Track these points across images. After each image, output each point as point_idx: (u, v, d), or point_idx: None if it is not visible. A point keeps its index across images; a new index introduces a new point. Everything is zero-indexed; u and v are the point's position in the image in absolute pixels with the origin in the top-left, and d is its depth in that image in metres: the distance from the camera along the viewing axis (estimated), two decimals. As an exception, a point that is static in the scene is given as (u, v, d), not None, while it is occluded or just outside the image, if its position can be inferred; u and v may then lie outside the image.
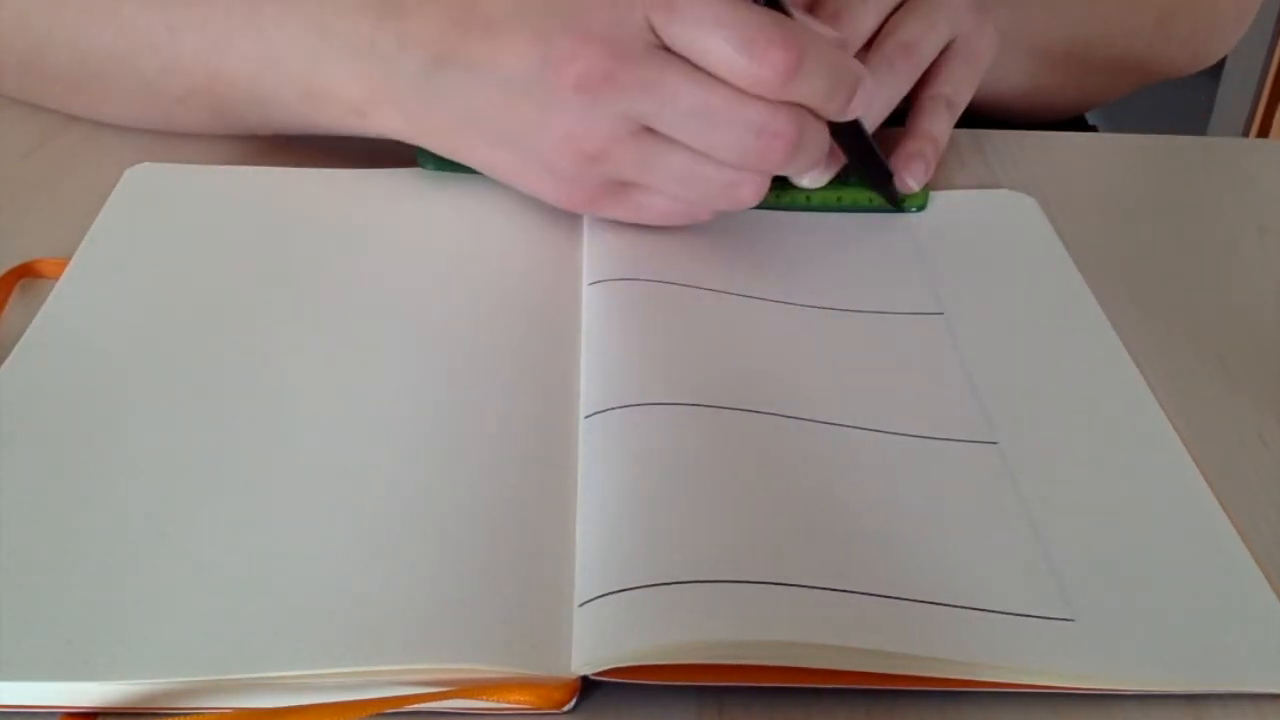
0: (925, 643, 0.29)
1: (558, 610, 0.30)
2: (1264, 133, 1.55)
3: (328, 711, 0.28)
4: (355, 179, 0.48)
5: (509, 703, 0.29)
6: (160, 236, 0.44)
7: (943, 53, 0.48)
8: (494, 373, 0.38)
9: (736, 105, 0.38)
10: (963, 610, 0.30)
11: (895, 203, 0.47)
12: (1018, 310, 0.43)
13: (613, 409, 0.36)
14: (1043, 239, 0.47)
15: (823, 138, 0.41)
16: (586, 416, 0.36)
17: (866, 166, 0.46)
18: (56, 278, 0.41)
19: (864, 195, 0.47)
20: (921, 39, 0.47)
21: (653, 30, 0.38)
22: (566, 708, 0.29)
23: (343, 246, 0.44)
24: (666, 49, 0.38)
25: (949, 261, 0.45)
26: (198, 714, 0.29)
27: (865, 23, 0.46)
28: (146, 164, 0.48)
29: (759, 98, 0.38)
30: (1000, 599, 0.31)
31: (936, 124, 0.48)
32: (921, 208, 0.47)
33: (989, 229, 0.47)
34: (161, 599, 0.30)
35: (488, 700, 0.29)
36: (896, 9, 0.47)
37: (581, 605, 0.30)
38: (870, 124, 0.45)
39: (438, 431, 0.35)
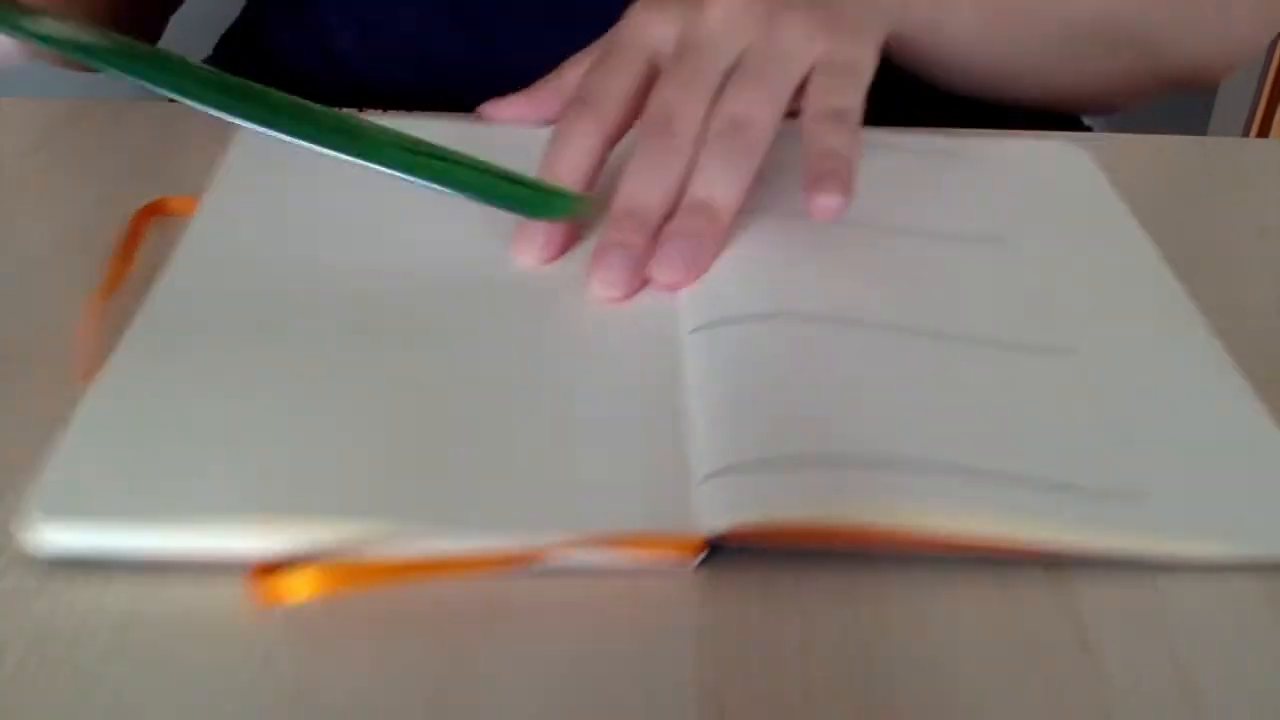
0: (1012, 515, 0.33)
1: (684, 485, 0.34)
2: (1264, 133, 1.55)
3: (487, 561, 0.32)
4: (478, 130, 0.50)
5: (646, 555, 0.32)
6: (282, 175, 0.47)
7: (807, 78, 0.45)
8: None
9: None
10: (1049, 487, 0.34)
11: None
12: (1074, 240, 0.46)
13: (716, 324, 0.39)
14: (1094, 181, 0.50)
15: None
16: (691, 332, 0.39)
17: None
18: (186, 214, 0.44)
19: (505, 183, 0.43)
20: (752, 110, 0.43)
21: None
22: (693, 564, 0.33)
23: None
24: None
25: (1012, 197, 0.49)
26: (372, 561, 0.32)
27: (693, 122, 0.43)
28: None
29: None
30: (1081, 477, 0.34)
31: (829, 138, 0.43)
32: (565, 207, 0.43)
33: (1044, 171, 0.51)
34: (345, 456, 0.34)
35: (630, 552, 0.32)
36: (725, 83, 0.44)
37: (702, 482, 0.34)
38: (726, 207, 0.43)
39: (565, 351, 0.39)
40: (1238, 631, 0.32)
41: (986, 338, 0.40)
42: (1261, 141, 0.64)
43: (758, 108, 0.43)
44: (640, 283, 0.41)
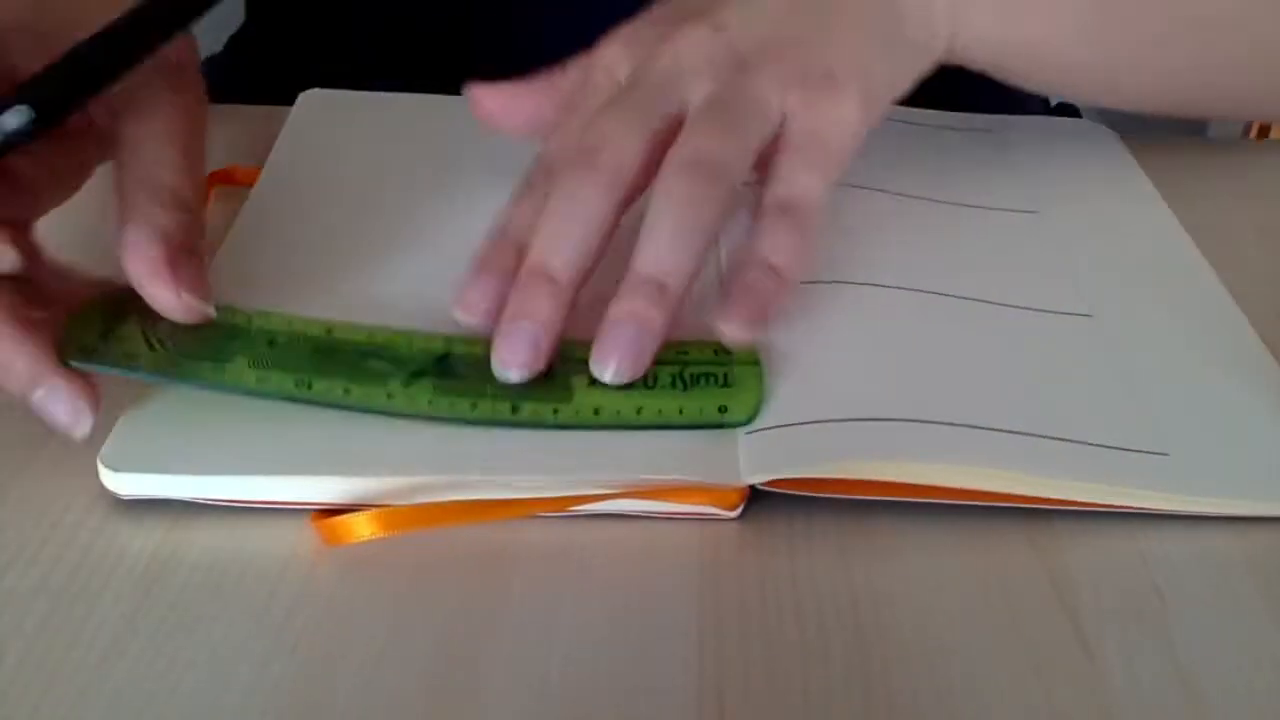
0: (1040, 469, 0.34)
1: (729, 440, 0.35)
2: (1264, 133, 1.55)
3: (535, 504, 0.34)
4: None
5: (692, 504, 0.34)
6: (337, 145, 0.50)
7: (775, 144, 0.39)
8: None
9: None
10: (1073, 444, 0.35)
11: None
12: (1102, 212, 0.48)
13: None
14: (1123, 160, 0.52)
15: None
16: None
17: None
18: (248, 185, 0.47)
19: (673, 406, 0.36)
20: (714, 151, 0.37)
21: None
22: (737, 511, 0.35)
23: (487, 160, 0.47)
24: None
25: (1045, 171, 0.50)
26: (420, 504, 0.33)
27: (625, 152, 0.37)
28: (316, 90, 0.54)
29: None
30: (1104, 436, 0.36)
31: (768, 242, 0.37)
32: (749, 420, 0.36)
33: (1077, 149, 0.52)
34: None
35: (676, 502, 0.34)
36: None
37: (747, 434, 0.35)
38: (681, 277, 0.36)
39: None
40: (1238, 631, 0.32)
41: (1016, 302, 0.41)
42: (1261, 141, 0.64)
43: (719, 148, 0.37)
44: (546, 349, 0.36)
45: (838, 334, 0.39)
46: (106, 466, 0.34)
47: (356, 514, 0.33)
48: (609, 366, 0.35)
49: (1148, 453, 0.36)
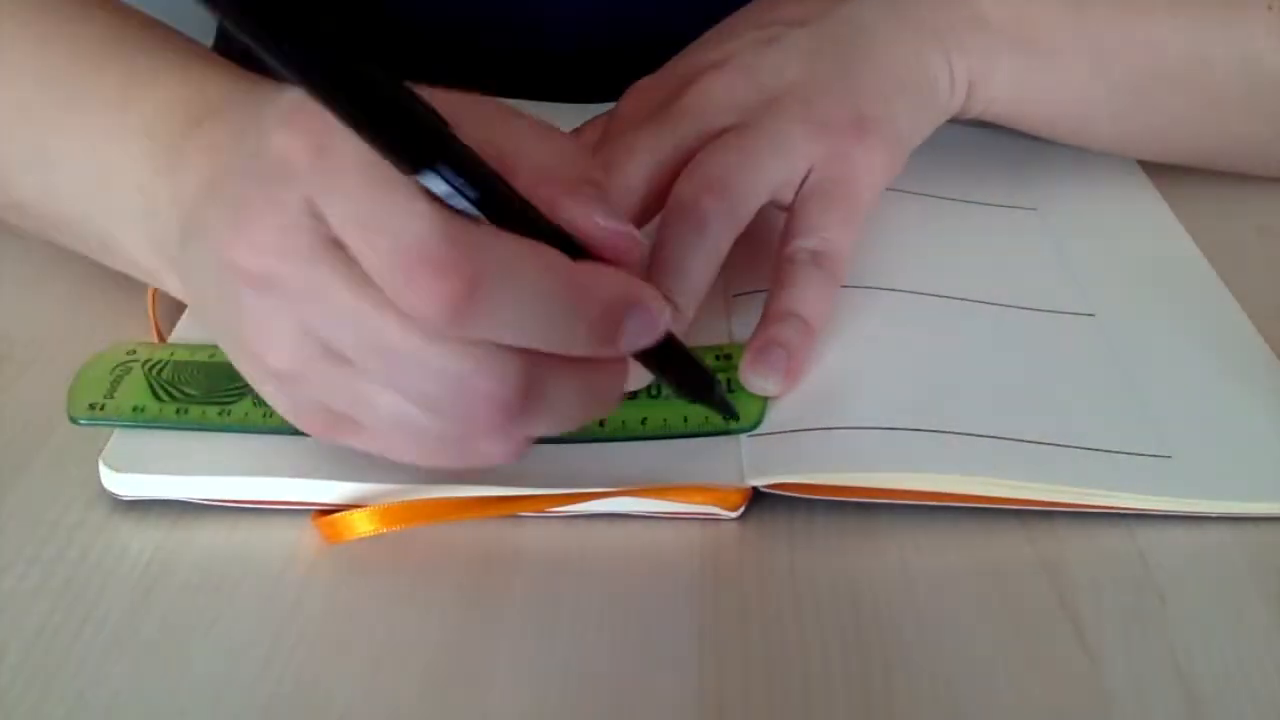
0: (1044, 477, 0.34)
1: (732, 444, 0.35)
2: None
3: (539, 500, 0.33)
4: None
5: (694, 504, 0.34)
6: None
7: (798, 193, 0.39)
8: None
9: (417, 342, 0.28)
10: (1077, 450, 0.35)
11: (730, 415, 0.35)
12: (1101, 210, 0.48)
13: (759, 291, 0.39)
14: (1124, 160, 0.51)
15: (583, 383, 0.30)
16: (735, 295, 0.41)
17: (681, 383, 0.33)
18: None
19: (677, 414, 0.36)
20: (730, 173, 0.37)
21: (319, 216, 0.28)
22: (738, 512, 0.34)
23: None
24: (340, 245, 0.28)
25: (1039, 166, 0.50)
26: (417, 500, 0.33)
27: (634, 176, 0.37)
28: None
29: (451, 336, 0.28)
30: (1107, 440, 0.36)
31: (798, 294, 0.37)
32: (754, 426, 0.36)
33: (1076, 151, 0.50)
34: None
35: (680, 501, 0.34)
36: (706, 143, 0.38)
37: (750, 436, 0.35)
38: (696, 292, 0.36)
39: None
40: (1238, 631, 0.32)
41: (1019, 302, 0.41)
42: (1261, 142, 0.64)
43: (737, 176, 0.37)
44: None
45: (839, 340, 0.38)
46: (108, 466, 0.34)
47: (358, 510, 0.33)
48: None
49: (1151, 456, 0.35)
